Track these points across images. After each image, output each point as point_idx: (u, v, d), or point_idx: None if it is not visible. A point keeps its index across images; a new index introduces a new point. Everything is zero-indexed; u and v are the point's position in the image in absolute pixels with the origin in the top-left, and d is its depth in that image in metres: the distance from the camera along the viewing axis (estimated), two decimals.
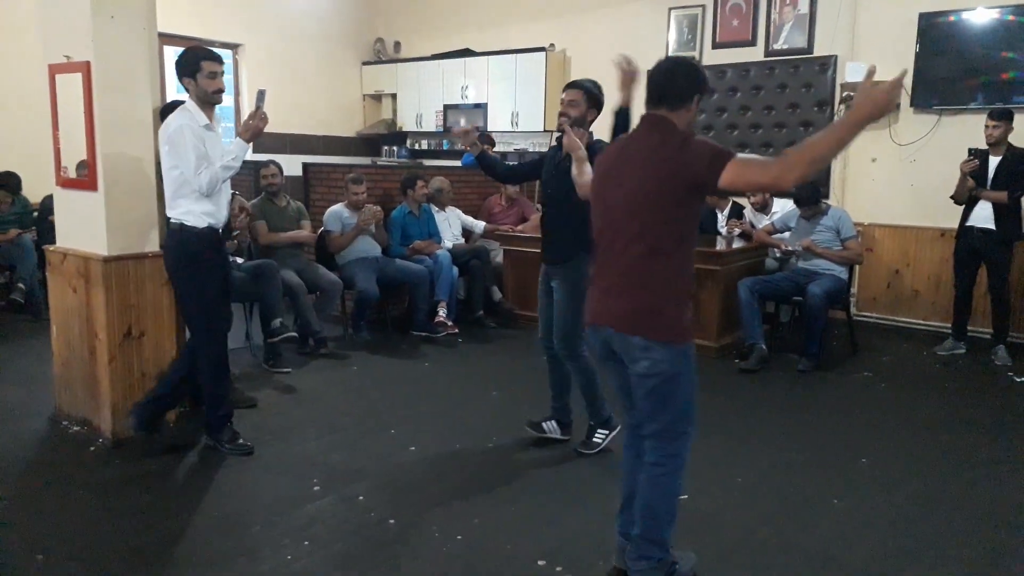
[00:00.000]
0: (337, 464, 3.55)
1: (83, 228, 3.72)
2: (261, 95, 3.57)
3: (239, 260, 5.32)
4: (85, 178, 3.63)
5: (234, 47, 8.60)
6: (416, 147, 9.71)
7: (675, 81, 2.39)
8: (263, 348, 5.10)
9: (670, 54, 7.50)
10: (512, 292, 6.56)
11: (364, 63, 9.79)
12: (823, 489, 3.36)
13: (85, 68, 3.58)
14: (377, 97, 9.86)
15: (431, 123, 9.28)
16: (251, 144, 3.62)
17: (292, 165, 6.81)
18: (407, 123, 9.56)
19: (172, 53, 8.03)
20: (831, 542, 2.90)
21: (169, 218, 3.54)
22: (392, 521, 3.00)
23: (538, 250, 6.34)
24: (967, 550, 2.86)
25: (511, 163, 4.27)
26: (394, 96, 9.61)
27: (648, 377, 2.38)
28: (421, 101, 9.33)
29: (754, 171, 2.23)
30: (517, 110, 8.45)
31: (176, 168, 3.45)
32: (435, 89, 9.17)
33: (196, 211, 3.50)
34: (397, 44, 9.85)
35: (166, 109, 4.05)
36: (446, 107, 9.07)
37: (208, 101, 3.51)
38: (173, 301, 3.89)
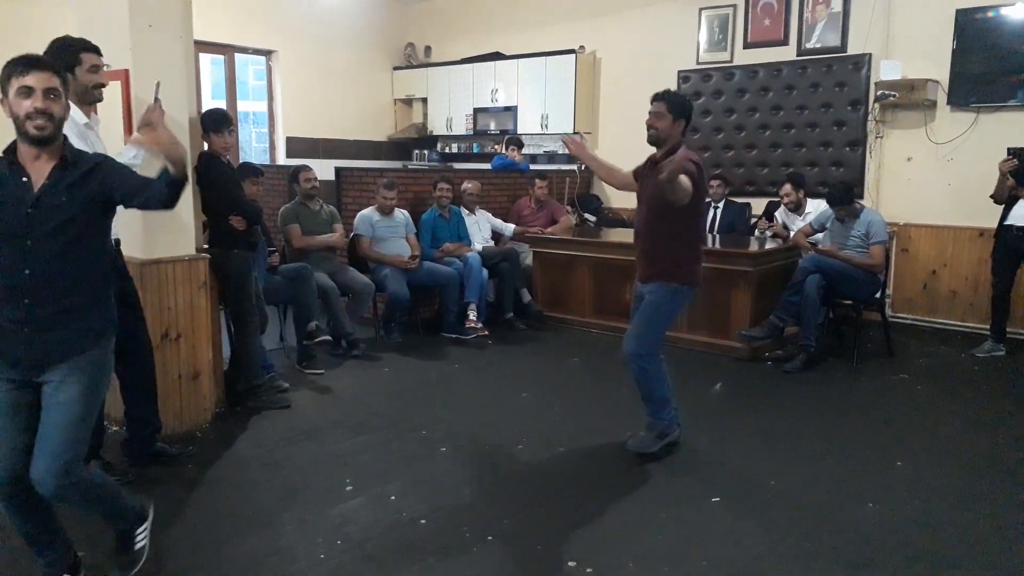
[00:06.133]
0: (369, 464, 3.58)
1: (122, 232, 3.77)
2: (157, 87, 3.30)
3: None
4: None
5: (268, 53, 8.72)
6: (446, 151, 9.77)
7: None
8: (297, 350, 5.17)
9: (701, 55, 7.47)
10: (542, 294, 6.57)
11: (395, 68, 9.88)
12: (858, 492, 3.31)
13: (124, 76, 3.66)
14: (408, 101, 9.94)
15: (461, 127, 9.33)
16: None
17: (325, 169, 6.89)
18: (437, 127, 9.62)
19: (208, 61, 8.20)
20: (866, 546, 2.86)
21: None
22: (423, 521, 3.03)
23: (569, 252, 6.42)
24: (1009, 558, 2.80)
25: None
26: (425, 100, 9.68)
27: None
28: (451, 105, 9.38)
29: None
30: (547, 112, 8.46)
31: None
32: (465, 93, 9.22)
33: None
34: (428, 49, 9.92)
35: (205, 116, 4.15)
36: (476, 110, 9.11)
37: (87, 99, 3.20)
38: (209, 303, 3.97)
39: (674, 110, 3.51)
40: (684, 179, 3.21)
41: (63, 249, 2.25)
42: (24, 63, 2.19)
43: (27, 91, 2.17)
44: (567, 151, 3.83)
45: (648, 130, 3.56)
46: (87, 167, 2.29)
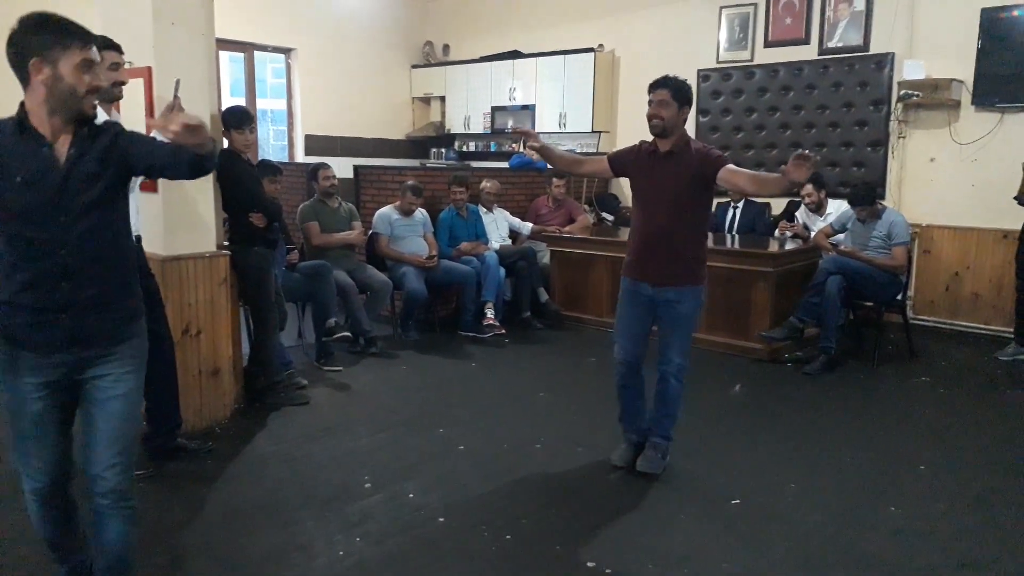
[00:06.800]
0: (387, 462, 3.59)
1: (143, 229, 3.80)
2: (176, 85, 3.40)
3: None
4: (146, 180, 3.73)
5: (287, 51, 8.76)
6: (464, 149, 9.77)
7: None
8: (315, 347, 5.19)
9: (721, 54, 7.42)
10: (559, 293, 6.56)
11: (413, 66, 9.89)
12: (880, 496, 3.28)
13: (147, 73, 3.68)
14: (426, 100, 9.95)
15: (479, 125, 9.33)
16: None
17: (343, 167, 6.91)
18: (455, 125, 9.62)
19: (226, 58, 8.25)
20: (888, 550, 2.83)
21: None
22: (442, 519, 3.03)
23: (587, 251, 6.40)
24: None
25: None
26: (442, 99, 9.69)
27: None
28: (469, 103, 9.38)
29: None
30: (565, 111, 8.44)
31: None
32: (483, 91, 9.21)
33: None
34: (446, 47, 9.92)
35: (227, 114, 4.17)
36: (494, 109, 9.11)
37: (108, 96, 3.15)
38: (229, 300, 3.99)
39: (678, 97, 3.25)
40: None
41: (98, 224, 2.04)
42: (84, 35, 2.01)
43: (90, 65, 2.00)
44: (523, 142, 3.55)
45: (651, 120, 3.26)
46: (110, 135, 2.09)
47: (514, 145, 8.78)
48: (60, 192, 1.99)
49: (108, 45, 3.18)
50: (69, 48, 1.96)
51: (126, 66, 3.35)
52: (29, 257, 2.00)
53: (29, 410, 2.08)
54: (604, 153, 8.18)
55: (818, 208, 6.04)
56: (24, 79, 1.96)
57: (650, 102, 3.28)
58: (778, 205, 6.86)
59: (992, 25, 5.90)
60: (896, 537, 2.93)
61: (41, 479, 2.14)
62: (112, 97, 3.25)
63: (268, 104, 9.22)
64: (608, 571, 2.66)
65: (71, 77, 1.96)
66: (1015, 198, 5.31)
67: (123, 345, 2.14)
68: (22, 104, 2.00)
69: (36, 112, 1.99)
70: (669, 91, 3.25)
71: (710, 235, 6.48)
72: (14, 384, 2.07)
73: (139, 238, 3.40)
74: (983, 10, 5.91)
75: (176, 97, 3.41)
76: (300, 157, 8.74)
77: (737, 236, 6.46)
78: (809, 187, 5.99)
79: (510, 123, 8.94)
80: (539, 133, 8.15)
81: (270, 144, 9.19)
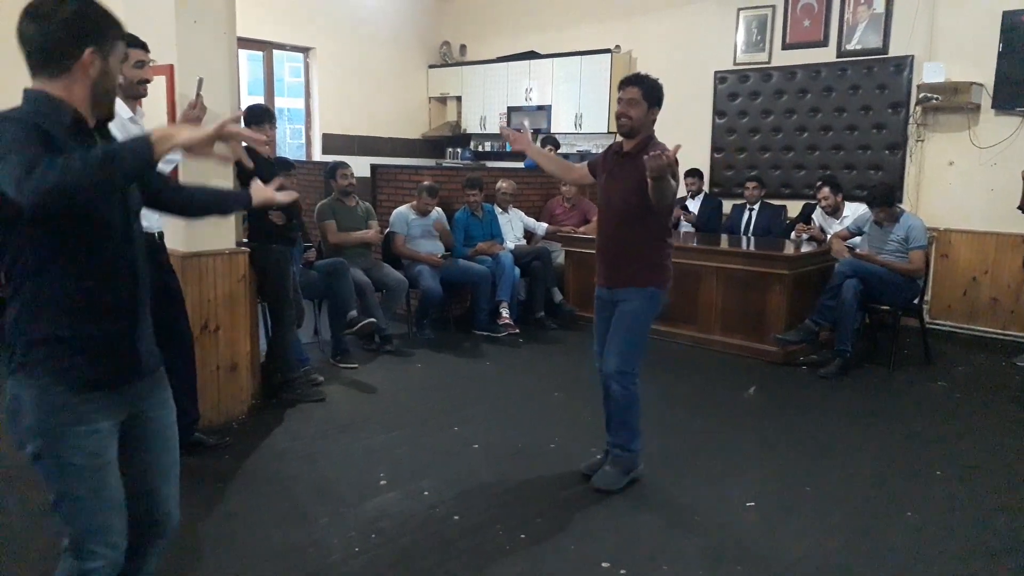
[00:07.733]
0: (402, 459, 3.61)
1: (164, 225, 3.85)
2: (199, 83, 3.47)
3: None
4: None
5: (306, 50, 8.82)
6: (479, 149, 9.79)
7: None
8: (331, 343, 5.22)
9: (738, 55, 7.40)
10: (573, 294, 6.56)
11: (430, 66, 9.92)
12: (896, 501, 3.27)
13: (169, 71, 3.71)
14: (442, 100, 9.98)
15: (495, 125, 9.34)
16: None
17: (360, 166, 6.93)
18: (471, 125, 9.65)
19: (245, 57, 8.30)
20: (905, 557, 2.82)
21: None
22: (457, 517, 3.04)
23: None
24: None
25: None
26: (459, 99, 9.71)
27: None
28: (485, 103, 9.40)
29: None
30: (581, 112, 8.44)
31: None
32: (499, 91, 9.23)
33: None
34: (463, 47, 9.95)
35: (248, 111, 4.21)
36: (510, 109, 9.12)
37: (132, 94, 3.20)
38: (248, 296, 4.03)
39: (649, 96, 3.14)
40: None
41: (141, 238, 1.83)
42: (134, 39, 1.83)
43: (125, 59, 1.81)
44: (511, 145, 3.44)
45: (619, 119, 3.18)
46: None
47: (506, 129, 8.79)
48: (126, 198, 1.75)
49: (135, 43, 3.22)
50: (117, 39, 1.73)
51: (149, 64, 3.38)
52: (104, 276, 1.71)
53: (109, 459, 1.75)
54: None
55: (834, 211, 6.01)
56: (64, 68, 1.64)
57: (619, 100, 3.18)
58: (794, 207, 6.84)
59: (1013, 28, 5.86)
60: (913, 544, 2.92)
61: (122, 543, 1.80)
62: (137, 94, 3.29)
63: (286, 103, 9.28)
64: (623, 571, 2.67)
65: (116, 71, 1.74)
66: (1019, 207, 5.28)
67: (161, 368, 1.94)
68: (49, 95, 1.64)
69: (80, 107, 1.68)
70: (640, 89, 3.14)
71: (724, 236, 6.54)
72: (89, 435, 1.70)
73: (161, 234, 3.44)
74: (1004, 13, 5.87)
75: (199, 96, 3.47)
76: (317, 156, 8.79)
77: (753, 238, 6.45)
78: (825, 190, 5.97)
79: (525, 123, 8.95)
80: (555, 134, 8.22)
81: (287, 143, 9.24)
